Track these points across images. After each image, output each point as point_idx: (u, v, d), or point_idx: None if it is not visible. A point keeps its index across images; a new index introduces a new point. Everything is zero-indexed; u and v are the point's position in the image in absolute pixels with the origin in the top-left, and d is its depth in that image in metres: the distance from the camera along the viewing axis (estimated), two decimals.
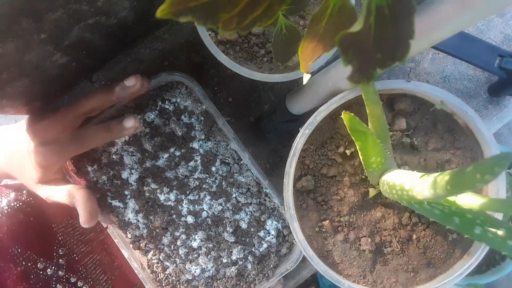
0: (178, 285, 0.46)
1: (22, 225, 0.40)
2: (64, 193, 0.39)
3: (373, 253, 0.37)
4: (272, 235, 0.47)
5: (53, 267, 0.40)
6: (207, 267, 0.46)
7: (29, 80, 0.36)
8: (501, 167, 0.18)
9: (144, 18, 0.43)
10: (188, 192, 0.46)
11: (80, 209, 0.39)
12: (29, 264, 0.38)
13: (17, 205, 0.41)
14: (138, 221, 0.46)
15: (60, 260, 0.42)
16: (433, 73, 0.57)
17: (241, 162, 0.46)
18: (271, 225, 0.47)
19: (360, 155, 0.32)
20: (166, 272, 0.46)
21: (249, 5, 0.17)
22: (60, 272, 0.41)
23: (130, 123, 0.41)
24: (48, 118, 0.39)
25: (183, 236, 0.46)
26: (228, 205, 0.46)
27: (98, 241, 0.50)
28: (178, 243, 0.46)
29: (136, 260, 0.45)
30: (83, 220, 0.38)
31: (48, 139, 0.39)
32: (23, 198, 0.42)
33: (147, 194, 0.45)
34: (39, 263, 0.39)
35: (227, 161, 0.46)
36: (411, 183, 0.27)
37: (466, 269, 0.36)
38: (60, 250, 0.42)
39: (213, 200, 0.46)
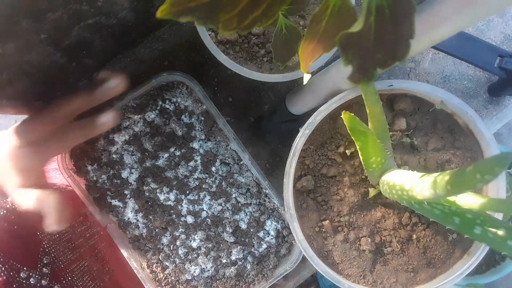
0: (178, 285, 0.46)
1: (5, 234, 0.38)
2: (35, 198, 0.37)
3: (373, 253, 0.37)
4: (272, 235, 0.47)
5: (36, 276, 0.39)
6: (206, 267, 0.46)
7: (29, 80, 0.36)
8: (501, 167, 0.18)
9: (144, 18, 0.43)
10: (188, 192, 0.46)
11: (51, 210, 0.37)
12: (11, 273, 0.37)
13: (1, 213, 0.40)
14: (137, 220, 0.46)
15: (44, 269, 0.40)
16: (433, 73, 0.57)
17: (241, 163, 0.46)
18: (271, 225, 0.47)
19: (360, 155, 0.32)
20: (166, 272, 0.46)
21: (249, 5, 0.17)
22: (43, 281, 0.39)
23: (104, 119, 0.40)
24: (29, 121, 0.39)
25: (183, 236, 0.46)
26: (227, 205, 0.46)
27: (87, 247, 0.48)
28: (178, 243, 0.46)
29: (135, 260, 0.45)
30: (52, 221, 0.36)
31: (28, 141, 0.38)
32: (7, 206, 0.41)
33: (147, 194, 0.45)
34: (22, 272, 0.38)
35: (227, 161, 0.46)
36: (411, 183, 0.27)
37: (466, 269, 0.36)
38: (44, 258, 0.41)
39: (213, 200, 0.46)
